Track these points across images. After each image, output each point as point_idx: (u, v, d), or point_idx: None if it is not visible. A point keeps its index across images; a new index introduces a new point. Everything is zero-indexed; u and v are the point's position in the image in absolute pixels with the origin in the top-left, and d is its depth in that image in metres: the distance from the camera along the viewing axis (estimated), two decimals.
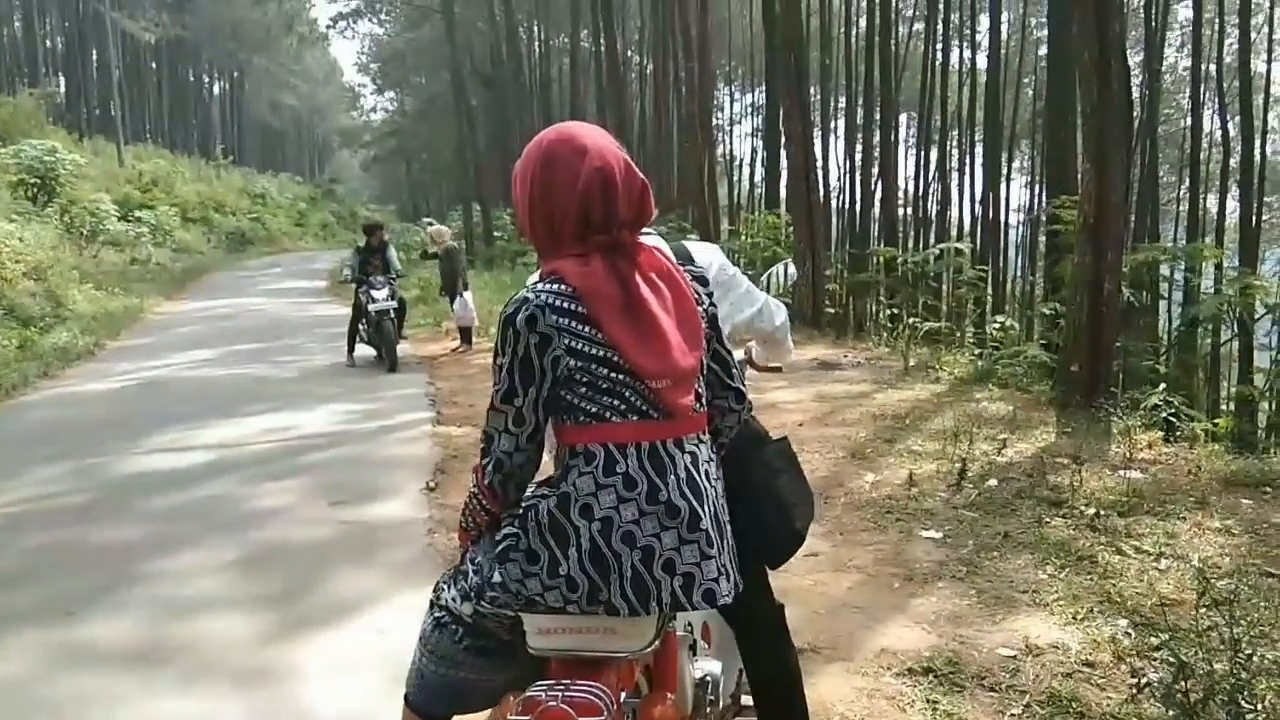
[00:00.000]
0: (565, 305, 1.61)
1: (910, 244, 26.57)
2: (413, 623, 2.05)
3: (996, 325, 11.22)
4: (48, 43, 54.28)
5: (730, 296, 2.22)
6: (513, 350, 1.62)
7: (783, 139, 16.45)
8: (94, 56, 52.53)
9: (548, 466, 1.75)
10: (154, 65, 59.59)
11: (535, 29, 40.30)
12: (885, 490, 5.12)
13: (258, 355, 11.29)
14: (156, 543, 4.68)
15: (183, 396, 8.74)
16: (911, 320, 10.95)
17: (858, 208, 28.32)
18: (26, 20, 50.88)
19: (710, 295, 1.81)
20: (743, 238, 20.75)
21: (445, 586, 1.85)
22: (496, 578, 1.69)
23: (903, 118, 34.87)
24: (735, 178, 43.04)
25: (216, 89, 71.39)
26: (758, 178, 37.40)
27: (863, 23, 27.76)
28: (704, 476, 1.68)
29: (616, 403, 1.62)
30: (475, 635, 1.79)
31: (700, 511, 1.64)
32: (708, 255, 2.25)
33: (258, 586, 4.10)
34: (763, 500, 2.07)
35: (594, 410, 1.62)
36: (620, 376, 1.62)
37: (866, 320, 18.00)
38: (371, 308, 10.01)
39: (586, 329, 1.60)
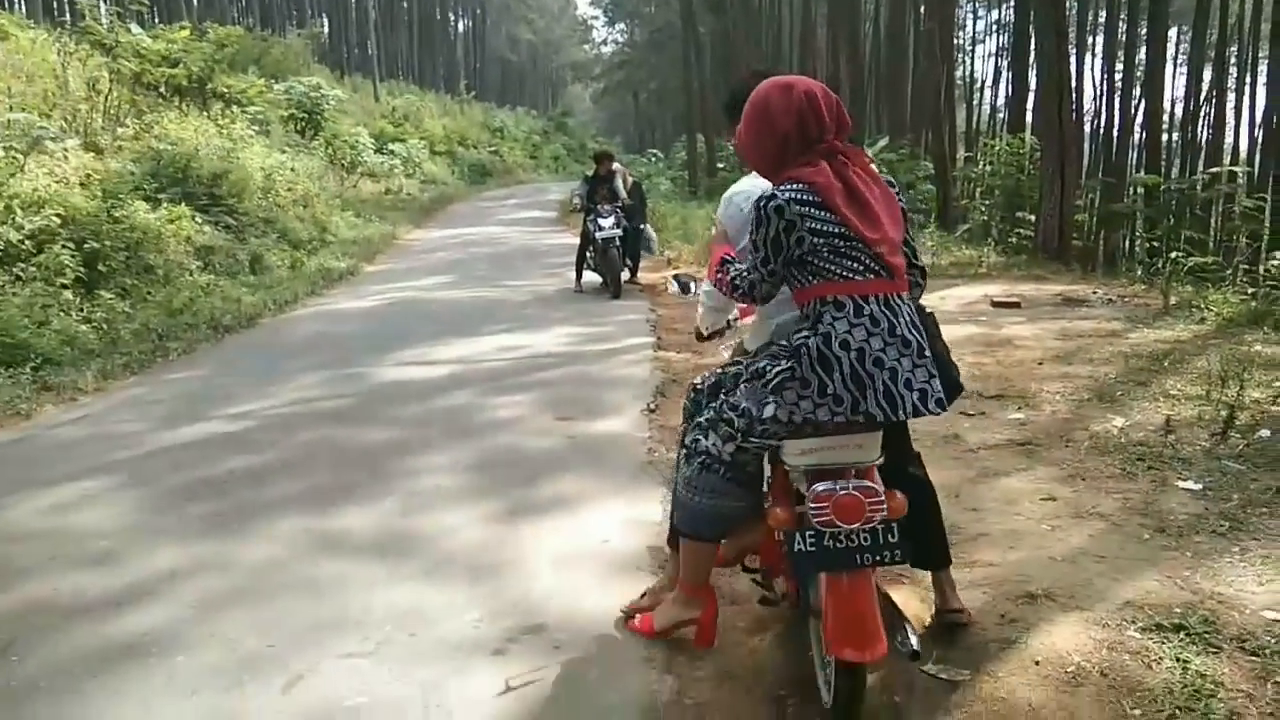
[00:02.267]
0: (805, 198, 2.19)
1: (1174, 172, 23.99)
2: (632, 533, 2.33)
3: (1275, 262, 9.89)
4: None
5: None
6: (765, 230, 2.22)
7: (1032, 56, 15.17)
8: None
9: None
10: (405, 5, 63.14)
11: None
12: (1136, 435, 4.69)
13: (494, 279, 11.92)
14: (403, 445, 5.08)
15: (428, 315, 9.39)
16: (1174, 255, 9.90)
17: (1115, 133, 25.83)
18: None
19: (900, 195, 2.37)
20: (980, 165, 19.46)
21: (700, 438, 2.51)
22: (769, 412, 2.26)
23: (1171, 32, 31.23)
24: (973, 101, 40.41)
25: (461, 26, 74.83)
26: (999, 101, 34.93)
27: None
28: (917, 321, 2.26)
29: (856, 265, 2.19)
30: (734, 469, 2.48)
31: (923, 344, 2.22)
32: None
33: (491, 489, 4.37)
34: None
35: (839, 271, 2.18)
36: (855, 245, 2.18)
37: (1119, 255, 16.53)
38: (598, 235, 10.25)
39: (824, 214, 2.18)
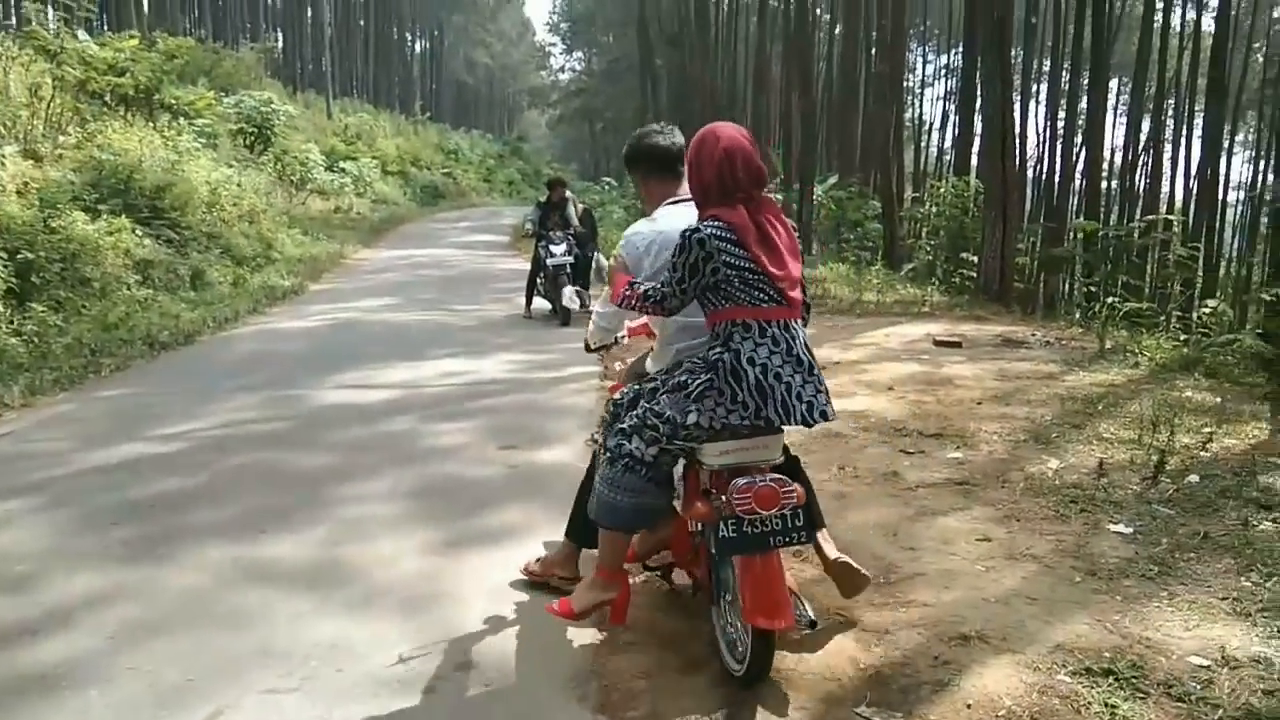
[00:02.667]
0: (724, 234, 2.63)
1: (1113, 219, 24.71)
2: None
3: (1207, 309, 10.20)
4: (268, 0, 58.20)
5: None
6: (686, 256, 2.64)
7: (979, 102, 15.56)
8: (309, 14, 55.93)
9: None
10: (362, 23, 62.82)
11: None
12: (1070, 478, 4.78)
13: (441, 303, 11.81)
14: (341, 471, 4.98)
15: (371, 337, 9.26)
16: (1110, 300, 10.16)
17: (1056, 179, 26.58)
18: None
19: (797, 237, 2.82)
20: (926, 206, 19.86)
21: (624, 443, 2.82)
22: (692, 419, 2.66)
23: (1112, 84, 32.28)
24: (922, 143, 41.35)
25: (418, 47, 74.64)
26: (947, 143, 35.78)
27: None
28: (809, 343, 2.71)
29: (760, 295, 2.63)
30: (654, 469, 2.82)
31: (813, 364, 2.68)
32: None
33: (430, 519, 4.30)
34: None
35: (747, 299, 2.63)
36: (761, 278, 2.63)
37: (1058, 298, 16.93)
38: (549, 262, 10.22)
39: (738, 250, 2.62)
